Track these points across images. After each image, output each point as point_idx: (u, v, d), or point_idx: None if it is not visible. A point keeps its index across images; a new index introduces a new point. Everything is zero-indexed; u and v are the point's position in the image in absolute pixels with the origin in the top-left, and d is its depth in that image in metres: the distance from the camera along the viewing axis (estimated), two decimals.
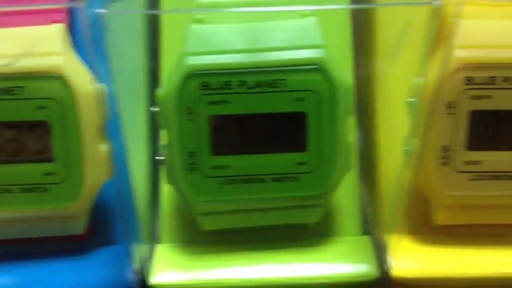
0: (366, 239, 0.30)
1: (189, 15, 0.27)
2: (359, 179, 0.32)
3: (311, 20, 0.26)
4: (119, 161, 0.28)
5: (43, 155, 0.26)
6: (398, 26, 0.30)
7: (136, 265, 0.28)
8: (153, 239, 0.31)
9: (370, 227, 0.31)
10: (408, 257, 0.29)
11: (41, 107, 0.25)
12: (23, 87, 0.25)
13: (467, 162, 0.27)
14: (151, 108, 0.26)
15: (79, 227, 0.28)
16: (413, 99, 0.26)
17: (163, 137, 0.27)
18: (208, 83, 0.25)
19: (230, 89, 0.25)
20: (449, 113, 0.26)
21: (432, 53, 0.26)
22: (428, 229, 0.30)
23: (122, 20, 0.30)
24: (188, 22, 0.27)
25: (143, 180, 0.31)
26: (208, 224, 0.28)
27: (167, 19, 0.32)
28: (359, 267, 0.29)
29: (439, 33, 0.27)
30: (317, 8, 0.26)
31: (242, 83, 0.25)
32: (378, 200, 0.31)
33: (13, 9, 0.28)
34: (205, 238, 0.30)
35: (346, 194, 0.31)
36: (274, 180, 0.27)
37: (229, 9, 0.27)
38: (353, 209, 0.31)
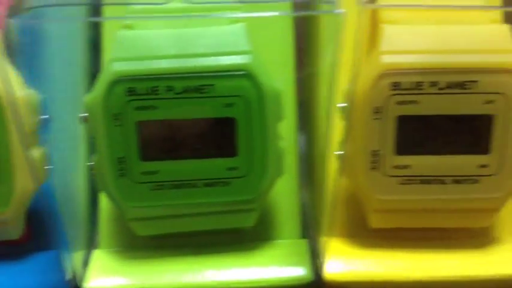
0: (303, 242, 0.31)
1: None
2: (300, 182, 0.32)
3: (239, 26, 0.26)
4: (55, 167, 0.28)
5: None
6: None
7: (70, 270, 0.28)
8: (91, 244, 0.31)
9: (309, 231, 0.32)
10: (342, 260, 0.29)
11: None
12: None
13: (396, 167, 0.27)
14: (80, 115, 0.25)
15: (13, 232, 0.28)
16: (344, 105, 0.27)
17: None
18: (134, 88, 0.25)
19: (157, 94, 0.25)
20: (377, 118, 0.26)
21: (364, 58, 0.27)
22: (366, 232, 0.30)
23: (61, 27, 0.30)
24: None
25: (82, 186, 0.31)
26: (141, 230, 0.28)
27: (108, 26, 0.32)
28: (294, 271, 0.29)
29: (373, 38, 0.28)
30: (248, 16, 0.27)
31: (169, 89, 0.25)
32: (317, 204, 0.31)
33: None
34: (143, 243, 0.30)
35: (285, 197, 0.31)
36: (206, 185, 0.27)
37: (164, 16, 0.27)
38: (293, 212, 0.32)
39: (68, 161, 0.30)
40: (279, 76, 0.31)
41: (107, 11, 0.31)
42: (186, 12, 0.27)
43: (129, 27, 0.26)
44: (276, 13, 0.27)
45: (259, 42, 0.29)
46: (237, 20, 0.26)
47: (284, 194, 0.31)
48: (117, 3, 0.29)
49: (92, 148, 0.27)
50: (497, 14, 0.26)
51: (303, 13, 0.29)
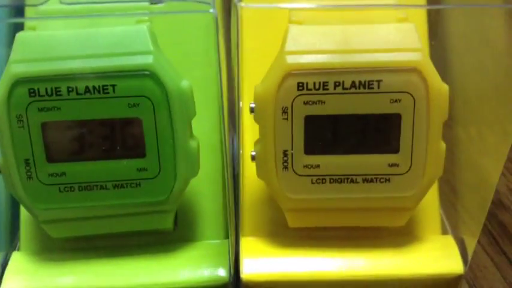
0: (225, 242, 0.30)
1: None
2: (227, 182, 0.32)
3: (143, 27, 0.26)
4: None
5: None
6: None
7: None
8: (12, 247, 0.31)
9: (231, 231, 0.32)
10: (260, 260, 0.29)
11: None
12: None
13: (306, 166, 0.27)
14: None
15: None
16: (253, 105, 0.26)
17: None
18: (36, 90, 0.25)
19: (60, 95, 0.25)
20: (285, 118, 0.26)
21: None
22: (287, 232, 0.30)
23: None
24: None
25: (2, 188, 0.31)
26: (54, 232, 0.28)
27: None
28: (211, 272, 0.29)
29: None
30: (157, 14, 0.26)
31: (71, 89, 0.25)
32: (240, 204, 0.31)
33: None
34: (61, 245, 0.30)
35: (209, 197, 0.31)
36: (115, 187, 0.27)
37: (70, 16, 0.26)
38: (217, 213, 0.31)
39: None
40: (200, 74, 0.31)
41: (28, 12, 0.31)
42: (93, 13, 0.26)
43: (32, 28, 0.26)
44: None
45: (177, 40, 0.29)
46: (142, 20, 0.26)
47: (208, 194, 0.31)
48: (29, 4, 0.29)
49: None
50: (404, 13, 0.26)
51: (179, 12, 0.28)
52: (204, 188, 0.31)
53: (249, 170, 0.31)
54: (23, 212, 0.30)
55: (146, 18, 0.26)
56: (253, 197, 0.30)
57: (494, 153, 0.28)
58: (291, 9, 0.27)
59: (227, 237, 0.31)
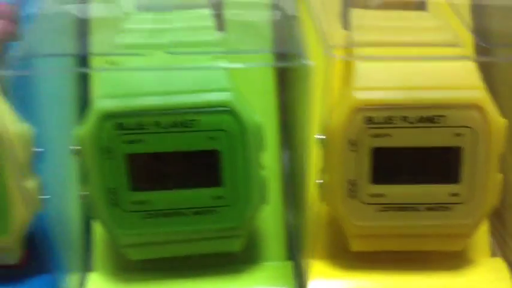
0: (288, 264, 0.32)
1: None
2: (286, 207, 0.34)
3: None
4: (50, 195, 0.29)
5: None
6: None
7: None
8: (86, 268, 0.33)
9: (295, 253, 0.33)
10: (324, 281, 0.30)
11: None
12: None
13: (372, 195, 0.28)
14: (71, 147, 0.27)
15: (11, 258, 0.30)
16: (321, 137, 0.28)
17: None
18: (123, 124, 0.27)
19: (144, 129, 0.27)
20: (353, 150, 0.28)
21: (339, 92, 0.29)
22: (348, 254, 0.32)
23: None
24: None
25: (75, 212, 0.33)
26: (133, 255, 0.30)
27: (96, 62, 0.34)
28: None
29: (347, 73, 0.29)
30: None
31: (156, 124, 0.27)
32: (302, 227, 0.33)
33: None
34: (136, 266, 0.32)
35: (272, 221, 0.33)
36: (194, 213, 0.29)
37: (152, 67, 0.28)
38: (278, 235, 0.33)
39: (61, 190, 0.32)
40: (261, 106, 0.33)
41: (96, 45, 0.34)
42: (172, 48, 0.29)
43: (113, 63, 0.28)
44: (241, 65, 0.29)
45: (240, 74, 0.31)
46: (217, 57, 0.28)
47: (270, 218, 0.33)
48: (103, 53, 0.31)
49: (83, 178, 0.28)
50: (466, 52, 0.28)
51: (276, 64, 0.30)
52: (266, 212, 0.33)
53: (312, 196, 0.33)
54: (98, 234, 0.32)
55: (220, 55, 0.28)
56: (315, 220, 0.32)
57: None
58: (355, 47, 0.29)
59: (289, 258, 0.33)
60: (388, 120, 0.27)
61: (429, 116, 0.27)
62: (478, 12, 0.35)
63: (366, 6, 0.34)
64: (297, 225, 0.34)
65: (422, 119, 0.27)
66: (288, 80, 0.34)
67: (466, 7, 0.35)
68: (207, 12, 0.32)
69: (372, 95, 0.27)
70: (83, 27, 0.34)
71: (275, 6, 0.33)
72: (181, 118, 0.27)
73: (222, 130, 0.27)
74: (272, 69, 0.33)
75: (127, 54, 0.28)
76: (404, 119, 0.27)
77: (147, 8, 0.33)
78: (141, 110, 0.27)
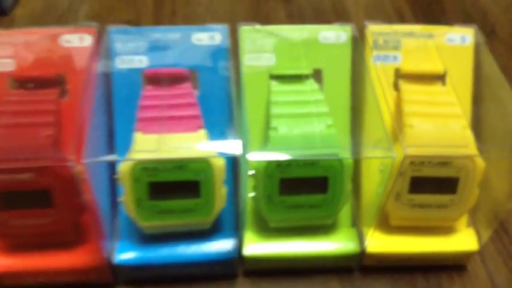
0: (354, 230, 0.56)
1: None
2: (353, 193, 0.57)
3: (333, 130, 0.50)
4: None
5: None
6: None
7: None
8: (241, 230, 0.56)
9: (357, 223, 0.57)
10: (376, 242, 0.55)
11: None
12: None
13: (409, 199, 0.52)
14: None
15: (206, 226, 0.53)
16: (382, 168, 0.51)
17: None
18: (281, 163, 0.49)
19: (293, 165, 0.49)
20: (400, 175, 0.51)
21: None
22: (389, 227, 0.56)
23: None
24: None
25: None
26: (273, 224, 0.54)
27: None
28: (347, 245, 0.55)
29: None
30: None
31: (303, 163, 0.49)
32: (361, 210, 0.57)
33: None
34: (275, 230, 0.55)
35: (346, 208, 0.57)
36: (310, 207, 0.52)
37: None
38: (347, 212, 0.57)
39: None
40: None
41: None
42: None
43: (275, 129, 0.50)
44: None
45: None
46: (331, 126, 0.50)
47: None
48: None
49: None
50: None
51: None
52: None
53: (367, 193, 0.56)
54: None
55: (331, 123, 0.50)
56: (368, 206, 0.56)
57: None
58: (404, 92, 0.51)
59: (353, 226, 0.57)
60: (421, 163, 0.50)
61: (445, 162, 0.50)
62: None
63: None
64: (360, 209, 0.58)
65: (440, 164, 0.50)
66: None
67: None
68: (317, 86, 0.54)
69: (417, 150, 0.49)
70: None
71: None
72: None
73: (334, 169, 0.50)
74: None
75: None
76: (429, 163, 0.50)
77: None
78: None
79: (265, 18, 0.91)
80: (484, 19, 0.94)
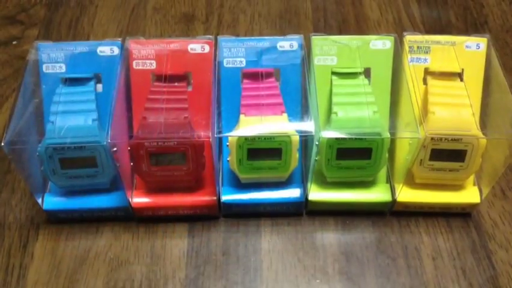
0: (388, 185, 0.78)
1: None
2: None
3: (387, 134, 0.71)
4: None
5: None
6: None
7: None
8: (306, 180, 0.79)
9: (391, 180, 0.79)
10: (403, 194, 0.76)
11: None
12: None
13: (429, 165, 0.73)
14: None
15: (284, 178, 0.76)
16: (411, 142, 0.72)
17: None
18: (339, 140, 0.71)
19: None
20: (424, 148, 0.71)
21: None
22: (414, 184, 0.77)
23: None
24: None
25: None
26: (331, 179, 0.76)
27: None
28: (382, 195, 0.76)
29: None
30: None
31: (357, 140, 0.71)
32: (393, 171, 0.78)
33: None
34: (330, 182, 0.78)
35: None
36: (359, 168, 0.74)
37: None
38: (384, 172, 0.78)
39: None
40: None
41: None
42: None
43: (335, 113, 0.71)
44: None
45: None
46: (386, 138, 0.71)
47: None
48: None
49: None
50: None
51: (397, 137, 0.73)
52: None
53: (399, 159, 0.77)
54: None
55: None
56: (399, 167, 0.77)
57: None
58: (432, 85, 0.71)
59: (387, 182, 0.79)
60: (439, 139, 0.70)
61: (456, 139, 0.70)
62: None
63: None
64: (391, 170, 0.79)
65: (453, 140, 0.70)
66: None
67: None
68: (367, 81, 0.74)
69: (436, 131, 0.70)
70: None
71: None
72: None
73: (377, 142, 0.71)
74: None
75: None
76: (445, 140, 0.70)
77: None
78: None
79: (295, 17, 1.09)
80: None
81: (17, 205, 0.79)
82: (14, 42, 1.05)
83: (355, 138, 0.70)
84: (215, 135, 0.66)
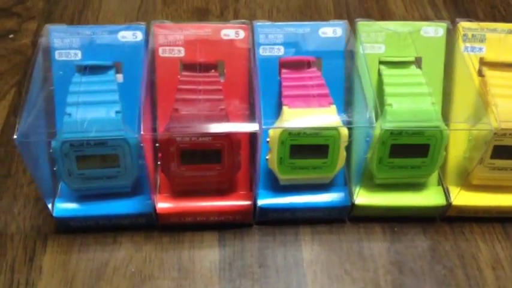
0: (440, 188, 0.70)
1: None
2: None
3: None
4: None
5: None
6: None
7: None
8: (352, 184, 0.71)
9: (443, 183, 0.71)
10: (459, 197, 0.69)
11: None
12: None
13: (490, 163, 0.66)
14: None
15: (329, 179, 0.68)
16: (471, 138, 0.65)
17: None
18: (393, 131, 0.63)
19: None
20: (485, 144, 0.64)
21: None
22: (470, 185, 0.70)
23: None
24: None
25: None
26: (380, 181, 0.68)
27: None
28: (437, 199, 0.69)
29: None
30: None
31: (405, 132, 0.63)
32: (446, 171, 0.71)
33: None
34: (372, 180, 0.70)
35: None
36: (412, 168, 0.66)
37: None
38: (436, 175, 0.71)
39: None
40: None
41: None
42: None
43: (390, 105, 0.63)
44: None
45: None
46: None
47: None
48: None
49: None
50: None
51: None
52: None
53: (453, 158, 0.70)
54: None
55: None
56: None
57: None
58: (490, 77, 0.64)
59: (439, 185, 0.71)
60: (503, 135, 0.63)
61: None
62: None
63: None
64: (444, 171, 0.71)
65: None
66: None
67: None
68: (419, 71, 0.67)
69: (501, 125, 0.63)
70: None
71: None
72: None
73: (436, 137, 0.63)
74: None
75: None
76: (510, 135, 0.63)
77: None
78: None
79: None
80: None
81: (20, 213, 0.69)
82: (11, 36, 0.95)
83: (412, 132, 0.62)
84: (262, 127, 0.57)
